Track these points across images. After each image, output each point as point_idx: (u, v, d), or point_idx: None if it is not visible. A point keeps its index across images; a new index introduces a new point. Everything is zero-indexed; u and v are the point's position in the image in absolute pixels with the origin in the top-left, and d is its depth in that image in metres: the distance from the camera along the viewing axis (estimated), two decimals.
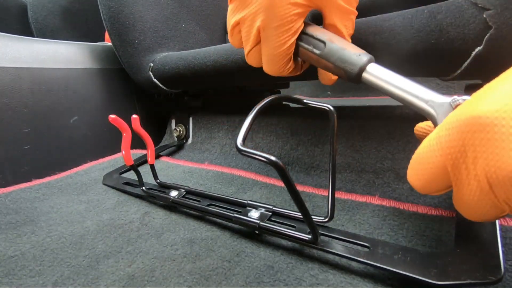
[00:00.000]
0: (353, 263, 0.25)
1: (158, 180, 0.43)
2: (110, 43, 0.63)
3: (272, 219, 0.32)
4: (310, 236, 0.25)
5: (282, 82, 0.68)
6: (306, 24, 0.27)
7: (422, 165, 0.19)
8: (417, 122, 0.26)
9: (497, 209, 0.17)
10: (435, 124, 0.21)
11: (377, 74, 0.24)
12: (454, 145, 0.17)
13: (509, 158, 0.15)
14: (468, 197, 0.18)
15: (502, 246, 0.21)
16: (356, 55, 0.24)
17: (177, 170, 0.53)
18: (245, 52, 0.29)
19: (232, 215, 0.31)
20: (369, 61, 0.24)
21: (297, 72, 0.31)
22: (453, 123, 0.17)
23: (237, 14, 0.27)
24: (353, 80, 0.25)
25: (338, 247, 0.25)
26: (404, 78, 0.23)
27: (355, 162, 0.43)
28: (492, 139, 0.15)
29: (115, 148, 0.62)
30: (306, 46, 0.27)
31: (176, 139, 0.68)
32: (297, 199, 0.22)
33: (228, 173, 0.49)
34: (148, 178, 0.45)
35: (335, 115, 0.29)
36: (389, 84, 0.23)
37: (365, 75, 0.24)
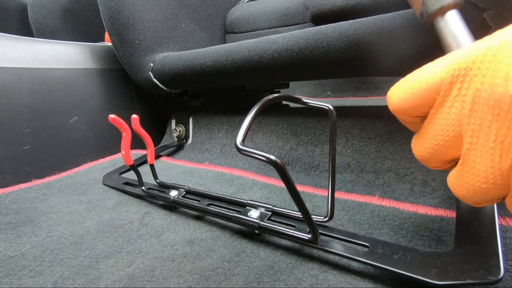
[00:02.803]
0: (353, 263, 0.25)
1: (158, 180, 0.43)
2: (110, 43, 0.63)
3: (272, 218, 0.32)
4: (310, 236, 0.25)
5: (282, 82, 0.68)
6: None
7: (415, 82, 0.18)
8: None
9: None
10: None
11: (452, 25, 0.21)
12: (464, 61, 0.15)
13: (504, 81, 0.13)
14: (441, 120, 0.17)
15: (502, 246, 0.21)
16: None
17: (177, 170, 0.53)
18: None
19: (232, 214, 0.31)
20: (455, 6, 0.21)
21: None
22: (470, 47, 0.15)
23: None
24: (422, 19, 0.22)
25: (338, 247, 0.25)
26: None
27: (355, 162, 0.43)
28: (501, 62, 0.13)
29: (115, 148, 0.62)
30: None
31: (176, 139, 0.68)
32: (297, 198, 0.22)
33: (228, 173, 0.49)
34: (148, 178, 0.45)
35: (334, 114, 0.29)
36: (454, 42, 0.21)
37: (439, 20, 0.21)
